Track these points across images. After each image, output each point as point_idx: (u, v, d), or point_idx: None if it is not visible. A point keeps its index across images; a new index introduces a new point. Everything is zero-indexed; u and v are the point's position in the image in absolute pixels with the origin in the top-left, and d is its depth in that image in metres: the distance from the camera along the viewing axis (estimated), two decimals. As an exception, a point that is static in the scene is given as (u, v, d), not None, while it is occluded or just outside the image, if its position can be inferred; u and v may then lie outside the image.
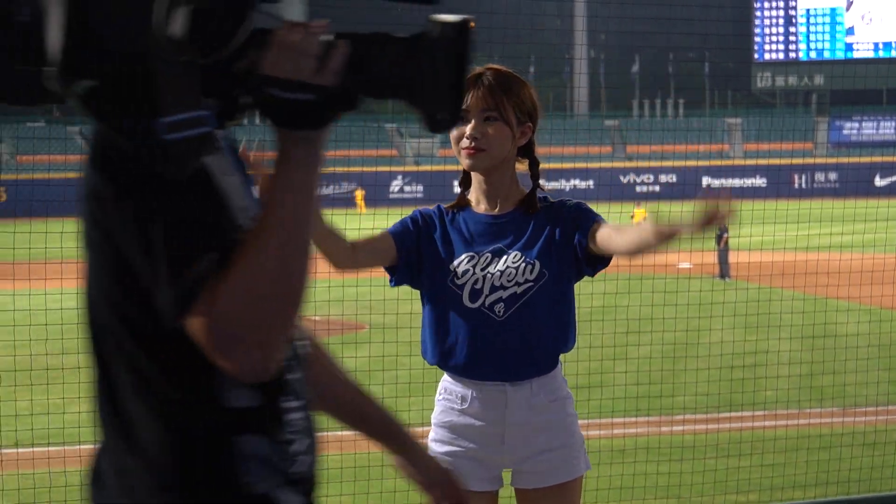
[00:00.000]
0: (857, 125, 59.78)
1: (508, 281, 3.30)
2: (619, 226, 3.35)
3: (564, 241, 3.33)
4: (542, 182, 3.45)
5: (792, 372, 11.10)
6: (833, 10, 62.98)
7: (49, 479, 7.13)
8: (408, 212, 3.51)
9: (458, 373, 3.35)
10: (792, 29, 63.84)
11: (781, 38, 64.27)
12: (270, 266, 1.55)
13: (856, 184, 38.50)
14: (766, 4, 64.35)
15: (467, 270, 3.32)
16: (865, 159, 48.50)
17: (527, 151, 3.41)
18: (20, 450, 8.06)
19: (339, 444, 8.43)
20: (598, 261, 3.34)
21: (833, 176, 50.94)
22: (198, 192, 1.58)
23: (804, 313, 11.96)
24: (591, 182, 49.55)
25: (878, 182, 50.42)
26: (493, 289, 3.30)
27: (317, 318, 12.17)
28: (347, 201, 43.78)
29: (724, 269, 21.48)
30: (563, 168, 47.62)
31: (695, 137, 52.83)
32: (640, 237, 3.10)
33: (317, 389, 1.93)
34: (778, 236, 17.13)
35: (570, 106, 57.51)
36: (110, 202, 1.60)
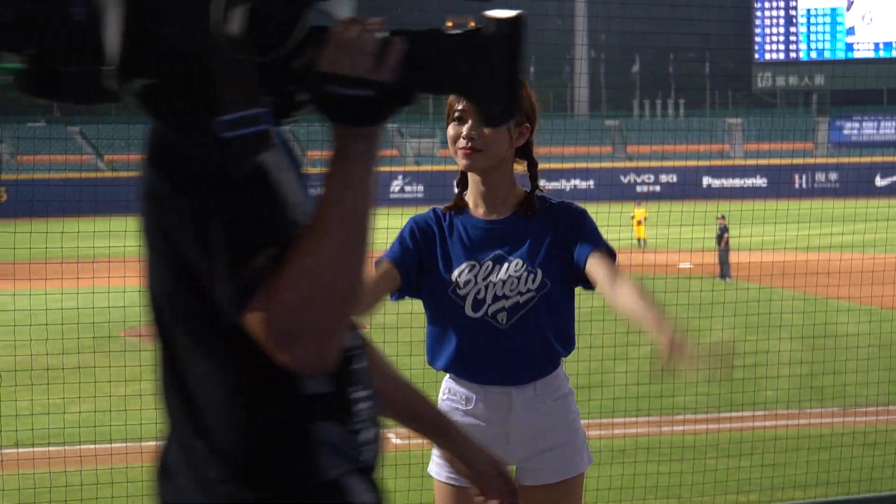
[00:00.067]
0: (857, 125, 59.77)
1: (511, 290, 3.28)
2: (615, 276, 3.24)
3: (566, 252, 3.31)
4: (541, 183, 3.44)
5: (792, 372, 11.10)
6: (833, 10, 62.99)
7: (49, 478, 7.13)
8: (409, 212, 3.49)
9: (463, 377, 3.36)
10: (792, 29, 63.85)
11: (782, 38, 64.28)
12: (329, 262, 1.56)
13: (856, 184, 38.51)
14: (767, 4, 64.35)
15: (469, 280, 3.30)
16: (866, 159, 48.51)
17: (525, 152, 3.38)
18: (20, 450, 8.06)
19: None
20: (588, 283, 3.34)
21: (833, 176, 50.95)
22: (254, 189, 1.58)
23: (804, 313, 11.97)
24: (591, 182, 49.54)
25: (879, 182, 50.42)
26: (496, 298, 3.29)
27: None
28: (348, 201, 43.70)
29: (724, 269, 21.48)
30: (564, 168, 47.61)
31: (695, 137, 52.86)
32: (631, 315, 3.14)
33: None
34: (778, 236, 17.13)
35: (570, 106, 57.50)
36: (168, 200, 1.61)
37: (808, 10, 63.52)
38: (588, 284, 3.34)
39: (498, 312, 3.29)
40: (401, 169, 51.24)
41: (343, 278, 1.57)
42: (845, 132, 59.48)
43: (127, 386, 9.85)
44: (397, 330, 7.69)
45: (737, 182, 53.13)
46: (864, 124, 59.70)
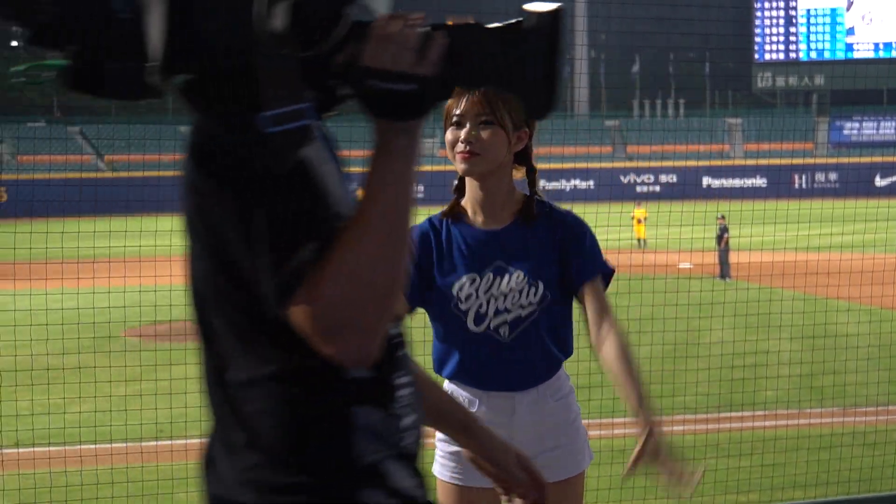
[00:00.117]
0: (857, 125, 59.78)
1: (512, 304, 3.27)
2: (604, 318, 3.29)
3: (565, 263, 3.30)
4: (540, 184, 3.42)
5: (792, 372, 11.10)
6: (833, 10, 62.99)
7: (49, 478, 7.13)
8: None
9: (466, 384, 3.36)
10: (792, 29, 63.85)
11: (782, 39, 64.29)
12: (372, 255, 1.57)
13: (856, 184, 38.50)
14: (767, 4, 64.36)
15: (470, 294, 3.29)
16: (866, 159, 48.51)
17: (524, 158, 3.35)
18: (21, 450, 8.06)
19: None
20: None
21: (833, 176, 50.96)
22: (297, 183, 1.60)
23: (804, 313, 11.96)
24: (591, 182, 49.56)
25: (879, 182, 50.43)
26: (498, 312, 3.28)
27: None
28: (348, 201, 43.73)
29: (724, 270, 21.49)
30: (564, 168, 47.62)
31: (695, 137, 52.88)
32: (612, 378, 3.25)
33: None
34: (778, 236, 17.14)
35: (570, 106, 57.50)
36: (211, 195, 1.63)
37: (808, 11, 63.53)
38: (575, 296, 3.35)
39: (500, 326, 3.29)
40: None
41: (385, 272, 1.59)
42: (845, 132, 59.49)
43: (127, 386, 9.86)
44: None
45: (737, 182, 53.14)
46: (864, 124, 59.71)
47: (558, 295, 3.31)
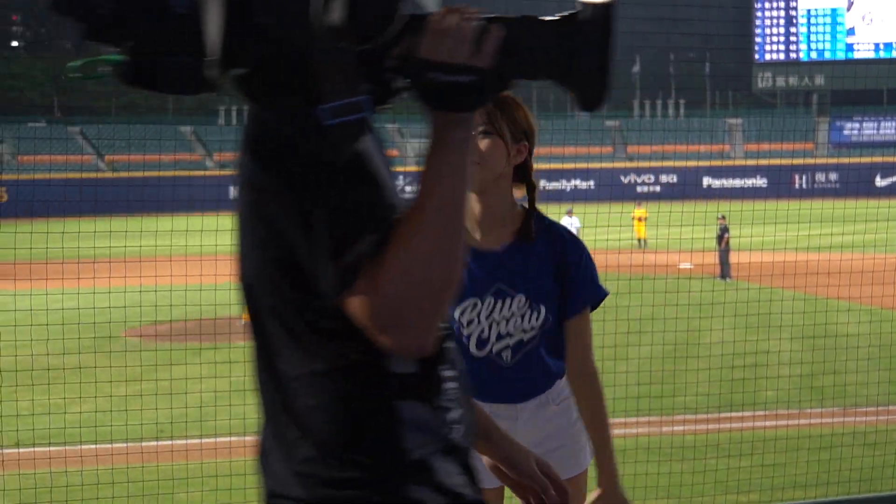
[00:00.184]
0: (857, 125, 59.78)
1: (514, 328, 3.26)
2: (585, 358, 3.30)
3: (563, 283, 3.30)
4: (541, 184, 3.41)
5: (792, 372, 11.11)
6: (834, 10, 62.98)
7: (50, 478, 7.13)
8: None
9: None
10: (793, 29, 63.84)
11: (782, 39, 64.28)
12: (430, 246, 1.58)
13: (856, 184, 38.47)
14: (767, 5, 64.35)
15: (472, 320, 3.27)
16: (866, 159, 48.47)
17: (524, 175, 3.33)
18: (21, 450, 8.07)
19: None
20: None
21: (833, 176, 50.95)
22: (354, 175, 1.61)
23: (805, 313, 11.96)
24: (591, 182, 49.56)
25: (879, 182, 50.42)
26: (500, 337, 3.27)
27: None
28: (348, 201, 43.70)
29: (724, 270, 21.48)
30: (564, 168, 47.63)
31: (695, 138, 52.87)
32: (583, 418, 3.29)
33: None
34: (778, 236, 17.14)
35: (570, 106, 57.48)
36: (269, 188, 1.64)
37: (809, 11, 63.52)
38: (562, 322, 3.34)
39: (502, 351, 3.28)
40: (401, 169, 51.14)
41: (442, 264, 1.60)
42: (845, 132, 59.48)
43: (127, 386, 9.86)
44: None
45: (737, 182, 53.13)
46: (865, 124, 59.71)
47: (556, 314, 3.30)
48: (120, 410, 9.33)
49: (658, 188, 51.97)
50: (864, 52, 62.43)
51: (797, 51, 64.07)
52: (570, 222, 24.77)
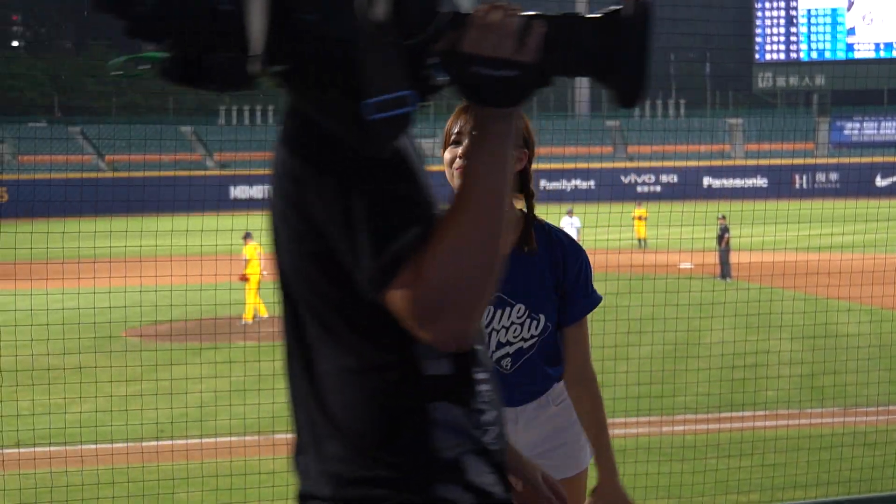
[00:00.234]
0: (858, 125, 59.76)
1: (514, 337, 3.28)
2: (584, 366, 3.32)
3: (562, 290, 3.30)
4: (541, 183, 3.41)
5: (793, 372, 11.11)
6: (834, 10, 62.96)
7: (50, 478, 7.14)
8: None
9: None
10: (793, 29, 63.83)
11: (782, 39, 64.26)
12: (473, 239, 1.59)
13: (857, 184, 38.47)
14: (767, 5, 64.34)
15: None
16: (866, 159, 48.49)
17: (523, 184, 3.33)
18: (21, 450, 8.07)
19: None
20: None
21: (834, 176, 50.92)
22: (397, 169, 1.63)
23: (805, 313, 11.97)
24: (592, 182, 49.54)
25: (879, 182, 50.41)
26: (500, 345, 3.28)
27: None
28: (348, 201, 43.67)
29: (724, 270, 21.48)
30: (565, 168, 47.60)
31: (696, 138, 52.80)
32: (583, 423, 3.29)
33: None
34: (779, 236, 17.13)
35: (571, 106, 57.51)
36: (309, 182, 1.65)
37: (809, 11, 63.49)
38: (561, 329, 3.34)
39: (502, 359, 3.29)
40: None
41: (484, 257, 1.60)
42: (846, 132, 59.46)
43: (127, 386, 9.86)
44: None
45: (737, 182, 53.11)
46: (865, 124, 59.68)
47: (555, 321, 3.31)
48: (120, 410, 9.33)
49: (658, 188, 51.95)
50: (864, 52, 62.41)
51: (797, 51, 64.05)
52: (571, 222, 24.75)
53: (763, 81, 64.49)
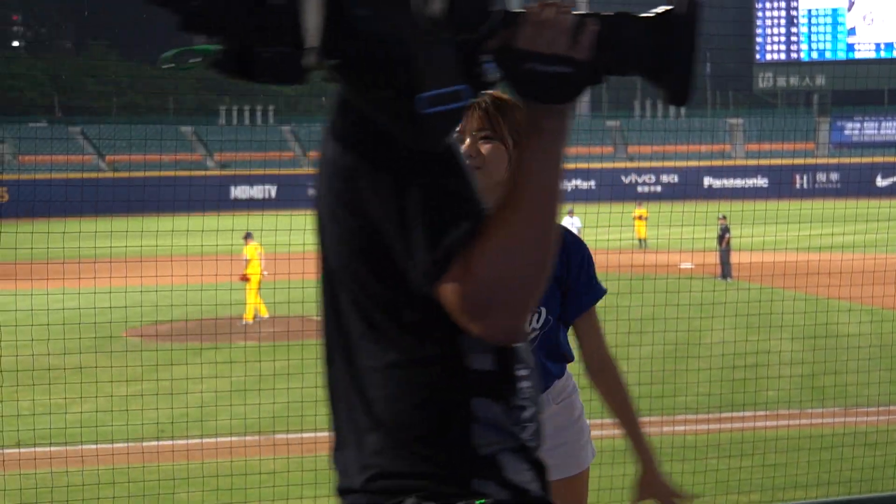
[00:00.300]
0: (858, 125, 59.76)
1: None
2: (603, 352, 3.33)
3: (565, 286, 3.30)
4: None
5: (793, 372, 11.11)
6: (834, 10, 62.96)
7: (51, 478, 7.13)
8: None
9: None
10: (793, 29, 63.82)
11: (783, 39, 64.25)
12: (523, 235, 1.60)
13: (857, 184, 38.50)
14: (768, 5, 64.33)
15: None
16: (867, 159, 48.48)
17: None
18: (22, 450, 8.06)
19: (340, 444, 8.44)
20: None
21: (834, 176, 50.92)
22: (448, 164, 1.65)
23: (805, 313, 11.96)
24: (592, 182, 49.53)
25: (880, 182, 50.40)
26: None
27: (318, 318, 12.16)
28: (349, 201, 43.69)
29: (725, 270, 21.48)
30: (565, 168, 47.54)
31: (696, 138, 52.85)
32: (614, 417, 3.32)
33: None
34: (779, 236, 17.13)
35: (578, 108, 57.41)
36: (362, 176, 1.66)
37: (809, 11, 63.49)
38: (568, 325, 3.35)
39: None
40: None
41: (536, 253, 1.61)
42: (846, 132, 59.46)
43: (128, 386, 9.86)
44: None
45: (738, 182, 53.12)
46: (865, 124, 59.69)
47: (559, 319, 3.31)
48: (121, 410, 9.33)
49: (659, 188, 51.96)
50: (864, 52, 62.40)
51: (798, 51, 64.05)
52: (571, 222, 24.77)
53: (763, 81, 64.49)
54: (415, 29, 1.57)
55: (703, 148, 54.36)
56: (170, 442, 8.49)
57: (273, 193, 50.33)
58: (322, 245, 1.78)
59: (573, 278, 3.31)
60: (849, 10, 62.69)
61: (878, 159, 48.02)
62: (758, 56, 64.25)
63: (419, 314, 1.67)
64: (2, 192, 39.92)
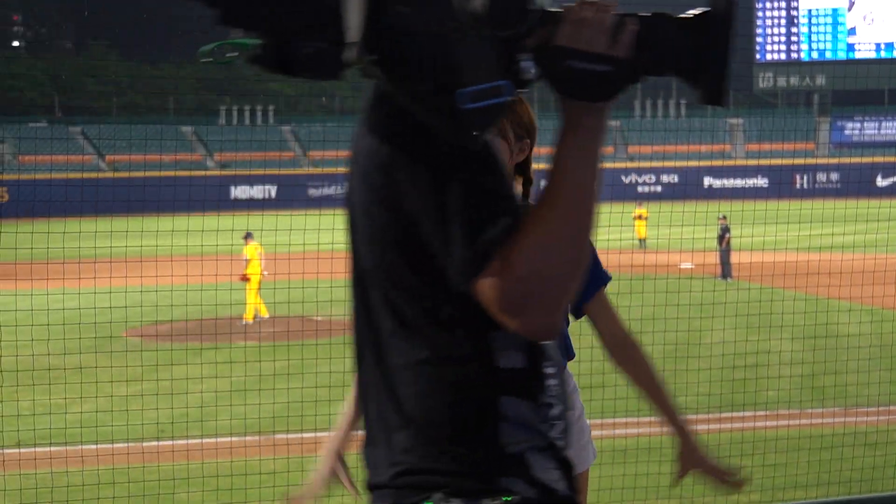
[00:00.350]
0: (858, 125, 59.77)
1: None
2: (625, 334, 3.31)
3: None
4: (541, 184, 3.41)
5: (793, 372, 11.11)
6: (835, 10, 62.96)
7: (51, 479, 7.13)
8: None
9: None
10: (794, 29, 63.83)
11: (783, 39, 64.26)
12: (562, 235, 1.61)
13: (857, 184, 38.48)
14: (768, 5, 64.34)
15: None
16: (867, 159, 48.49)
17: (523, 170, 3.35)
18: (22, 450, 8.06)
19: (340, 445, 8.43)
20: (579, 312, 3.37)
21: (835, 176, 50.93)
22: (486, 159, 1.66)
23: (805, 313, 11.96)
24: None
25: (880, 182, 50.40)
26: None
27: (319, 318, 12.17)
28: (349, 201, 43.73)
29: (725, 270, 21.48)
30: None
31: (696, 138, 52.86)
32: (645, 397, 3.30)
33: None
34: (779, 236, 17.13)
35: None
36: (403, 171, 1.66)
37: (810, 11, 63.50)
38: (579, 313, 3.34)
39: None
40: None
41: (573, 249, 1.63)
42: (846, 132, 59.47)
43: (128, 386, 9.86)
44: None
45: (738, 182, 53.12)
46: (866, 124, 59.70)
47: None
48: (121, 410, 9.33)
49: (659, 188, 51.96)
50: (865, 52, 62.41)
51: (798, 51, 64.05)
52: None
53: (764, 81, 64.48)
54: (455, 25, 1.57)
55: (704, 148, 54.36)
56: (170, 442, 8.49)
57: (273, 193, 50.36)
58: (352, 245, 1.79)
59: None
60: (849, 10, 62.69)
61: (879, 159, 48.03)
62: (758, 56, 64.25)
63: (453, 311, 1.68)
64: (2, 192, 39.94)
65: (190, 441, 8.25)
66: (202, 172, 41.18)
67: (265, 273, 17.29)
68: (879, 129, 59.33)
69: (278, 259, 14.89)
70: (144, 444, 8.15)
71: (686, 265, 21.94)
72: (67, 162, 43.00)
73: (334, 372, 7.31)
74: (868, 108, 59.77)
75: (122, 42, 61.85)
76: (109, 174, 39.15)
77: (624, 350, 3.33)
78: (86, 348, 10.91)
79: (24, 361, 9.18)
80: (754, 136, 55.49)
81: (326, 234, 14.87)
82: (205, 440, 8.04)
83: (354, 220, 1.77)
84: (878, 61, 60.60)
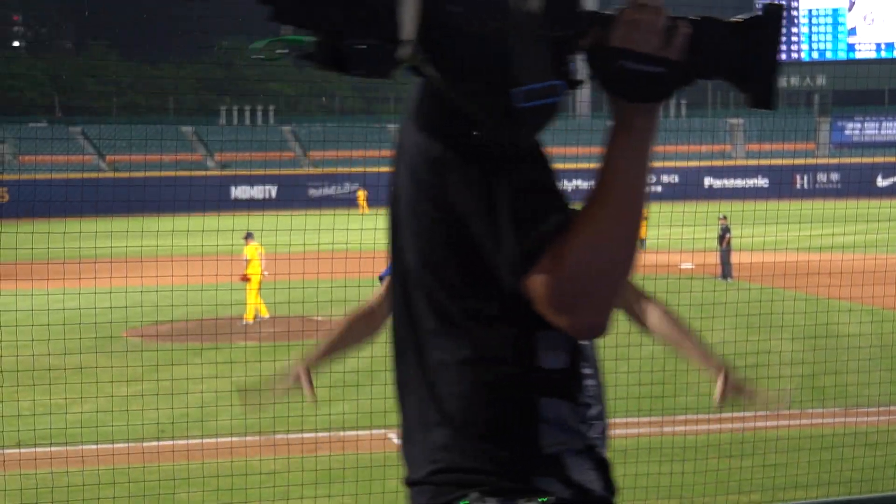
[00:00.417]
0: (858, 125, 59.76)
1: None
2: (638, 293, 3.32)
3: None
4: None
5: (794, 372, 11.10)
6: (835, 10, 62.97)
7: (51, 479, 7.13)
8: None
9: None
10: (794, 29, 63.83)
11: (783, 39, 64.26)
12: (613, 234, 1.62)
13: (858, 184, 38.49)
14: (768, 5, 64.31)
15: None
16: (867, 160, 48.49)
17: None
18: (22, 450, 8.06)
19: (340, 445, 8.44)
20: None
21: (835, 176, 50.92)
22: (536, 157, 1.67)
23: (806, 314, 11.96)
24: (592, 183, 49.53)
25: (880, 182, 50.39)
26: None
27: (319, 318, 12.17)
28: (350, 202, 43.74)
29: (725, 270, 21.47)
30: (566, 168, 47.22)
31: (697, 138, 52.84)
32: (669, 341, 3.31)
33: None
34: (780, 237, 17.13)
35: (572, 106, 57.48)
36: (454, 167, 1.67)
37: (810, 11, 63.51)
38: None
39: None
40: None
41: (622, 248, 1.63)
42: (847, 132, 59.46)
43: (128, 386, 9.86)
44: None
45: (738, 182, 53.10)
46: (866, 125, 59.68)
47: None
48: (121, 410, 9.33)
49: (659, 188, 51.93)
50: (865, 52, 62.41)
51: (798, 51, 64.07)
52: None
53: (764, 81, 64.44)
54: (511, 24, 1.58)
55: (704, 148, 54.35)
56: (170, 442, 8.49)
57: (273, 193, 50.35)
58: (395, 244, 1.79)
59: None
60: (849, 10, 62.70)
61: (879, 159, 48.01)
62: (758, 56, 64.19)
63: (498, 311, 1.68)
64: (2, 193, 39.95)
65: (190, 441, 8.25)
66: (202, 172, 41.17)
67: (265, 273, 17.29)
68: (880, 129, 59.32)
69: (278, 259, 14.89)
70: (144, 444, 8.15)
71: (686, 265, 21.93)
72: (67, 162, 42.98)
73: (334, 372, 7.31)
74: (868, 109, 59.76)
75: (122, 42, 61.83)
76: (110, 174, 39.14)
77: (637, 301, 3.34)
78: (86, 348, 10.91)
79: (25, 361, 9.18)
80: (755, 137, 55.48)
81: (326, 234, 14.88)
82: (205, 440, 8.04)
83: (398, 219, 1.77)
84: (878, 61, 60.60)
